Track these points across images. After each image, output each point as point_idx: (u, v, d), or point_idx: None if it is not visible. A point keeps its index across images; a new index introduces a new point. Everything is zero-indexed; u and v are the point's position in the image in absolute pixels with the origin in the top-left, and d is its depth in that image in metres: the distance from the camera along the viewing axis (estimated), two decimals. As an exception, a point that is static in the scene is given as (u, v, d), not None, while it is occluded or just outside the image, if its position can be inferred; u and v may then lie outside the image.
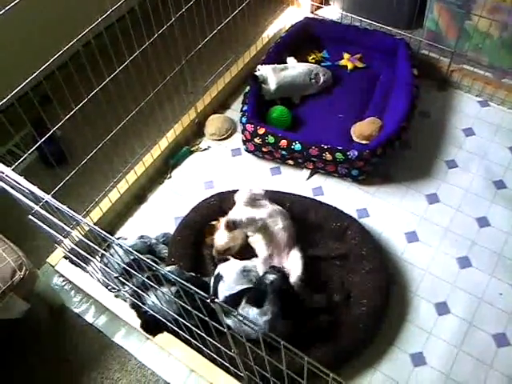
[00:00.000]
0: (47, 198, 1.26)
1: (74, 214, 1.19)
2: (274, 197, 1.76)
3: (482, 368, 1.50)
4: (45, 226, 1.43)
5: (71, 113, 1.48)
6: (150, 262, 1.08)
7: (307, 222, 1.74)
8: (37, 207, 1.31)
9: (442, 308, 1.61)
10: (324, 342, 1.47)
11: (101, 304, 1.64)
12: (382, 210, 1.84)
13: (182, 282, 0.97)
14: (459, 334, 1.56)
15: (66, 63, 1.45)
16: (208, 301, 0.86)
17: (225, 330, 0.98)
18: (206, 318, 1.02)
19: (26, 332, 1.62)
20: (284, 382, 1.13)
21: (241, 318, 0.87)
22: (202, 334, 1.18)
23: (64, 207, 1.20)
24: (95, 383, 1.55)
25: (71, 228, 1.48)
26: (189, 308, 1.12)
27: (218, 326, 1.04)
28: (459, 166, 1.94)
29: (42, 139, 1.52)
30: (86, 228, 1.60)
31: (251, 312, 1.39)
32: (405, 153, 1.96)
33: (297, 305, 1.45)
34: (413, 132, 1.97)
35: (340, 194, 1.88)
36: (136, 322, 1.54)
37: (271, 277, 1.42)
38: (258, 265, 1.56)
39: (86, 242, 1.38)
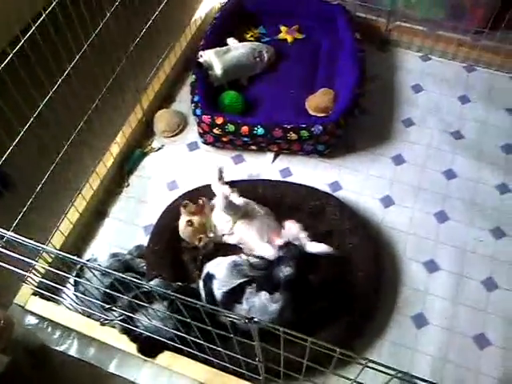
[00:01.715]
0: (8, 235, 1.12)
1: (39, 244, 1.07)
2: (243, 186, 1.69)
3: (479, 315, 1.54)
4: (6, 265, 1.28)
5: (17, 139, 1.31)
6: (137, 281, 0.98)
7: (283, 205, 1.69)
8: (-1, 248, 1.16)
9: (431, 265, 1.63)
10: (329, 324, 1.44)
11: (85, 335, 1.50)
12: (353, 180, 1.82)
13: (186, 298, 0.88)
14: (452, 287, 1.59)
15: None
16: (244, 321, 0.78)
17: (254, 343, 0.91)
18: (231, 335, 0.94)
19: (10, 385, 1.45)
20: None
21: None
22: (218, 349, 1.09)
23: (27, 240, 1.07)
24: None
25: (36, 261, 1.33)
26: (196, 323, 1.04)
27: (243, 339, 0.96)
28: (416, 124, 1.96)
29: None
30: (50, 259, 1.46)
31: (258, 299, 1.34)
32: (363, 119, 1.95)
33: (310, 296, 1.40)
34: (365, 97, 1.95)
35: (309, 172, 1.84)
36: (129, 346, 1.43)
37: (286, 270, 1.34)
38: (261, 248, 1.52)
39: (56, 271, 1.25)
